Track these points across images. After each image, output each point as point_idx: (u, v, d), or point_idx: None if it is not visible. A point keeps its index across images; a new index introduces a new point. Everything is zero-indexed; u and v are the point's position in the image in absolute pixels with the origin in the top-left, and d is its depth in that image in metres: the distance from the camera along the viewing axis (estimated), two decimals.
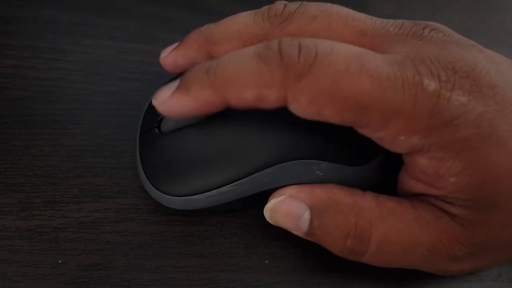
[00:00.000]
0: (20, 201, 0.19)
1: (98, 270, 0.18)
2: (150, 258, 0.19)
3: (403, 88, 0.14)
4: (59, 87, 0.23)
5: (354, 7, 0.18)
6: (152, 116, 0.19)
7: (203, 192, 0.17)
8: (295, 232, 0.18)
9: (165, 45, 0.21)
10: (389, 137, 0.15)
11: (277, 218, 0.18)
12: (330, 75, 0.14)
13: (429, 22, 0.17)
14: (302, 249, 0.20)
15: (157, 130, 0.18)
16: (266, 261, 0.19)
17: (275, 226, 0.18)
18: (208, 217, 0.20)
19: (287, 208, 0.17)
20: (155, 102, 0.16)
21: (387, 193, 0.18)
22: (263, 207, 0.18)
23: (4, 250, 0.18)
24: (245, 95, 0.15)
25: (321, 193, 0.17)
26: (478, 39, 0.18)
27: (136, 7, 0.27)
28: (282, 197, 0.17)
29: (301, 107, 0.15)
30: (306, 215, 0.17)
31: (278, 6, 0.18)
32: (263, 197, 0.18)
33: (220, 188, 0.17)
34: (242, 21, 0.18)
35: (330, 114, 0.15)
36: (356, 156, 0.18)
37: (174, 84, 0.16)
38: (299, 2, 0.18)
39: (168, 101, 0.16)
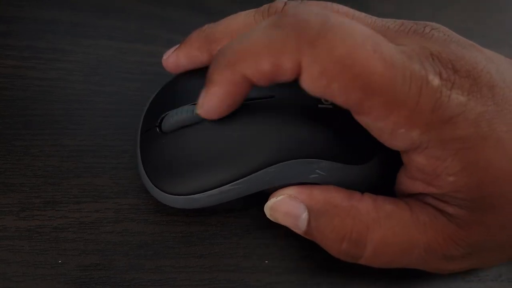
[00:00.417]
0: (20, 201, 0.19)
1: (98, 270, 0.18)
2: (150, 258, 0.19)
3: (411, 79, 0.14)
4: (59, 87, 0.23)
5: (354, 7, 0.18)
6: (153, 115, 0.19)
7: (204, 191, 0.17)
8: (295, 230, 0.18)
9: (165, 45, 0.21)
10: (388, 129, 0.15)
11: (276, 216, 0.18)
12: (346, 46, 0.14)
13: (429, 22, 0.17)
14: (302, 250, 0.20)
15: (158, 130, 0.18)
16: (266, 261, 0.19)
17: (275, 226, 0.18)
18: (208, 217, 0.20)
19: (286, 208, 0.17)
20: (199, 112, 0.17)
21: (386, 192, 0.18)
22: (263, 207, 0.18)
23: (4, 250, 0.18)
24: (261, 66, 0.14)
25: (320, 195, 0.17)
26: (478, 39, 0.18)
27: (136, 7, 0.27)
28: (281, 197, 0.17)
29: (311, 78, 0.14)
30: (304, 215, 0.17)
31: (278, 4, 0.18)
32: (263, 197, 0.18)
33: (221, 187, 0.17)
34: (243, 20, 0.18)
35: (337, 90, 0.14)
36: (356, 155, 0.18)
37: None
38: (299, 1, 0.18)
39: (204, 102, 0.16)
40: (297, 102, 0.17)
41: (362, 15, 0.18)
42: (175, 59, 0.19)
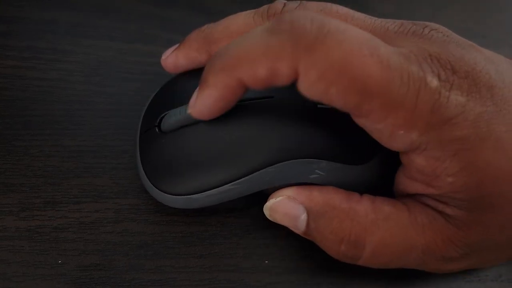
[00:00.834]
0: (20, 202, 0.19)
1: (98, 271, 0.18)
2: (150, 258, 0.19)
3: (408, 81, 0.14)
4: (59, 88, 0.23)
5: (354, 7, 0.18)
6: (152, 115, 0.19)
7: (204, 191, 0.17)
8: (294, 230, 0.18)
9: (165, 46, 0.21)
10: (387, 130, 0.15)
11: (275, 216, 0.18)
12: (343, 50, 0.14)
13: (428, 23, 0.17)
14: (302, 250, 0.20)
15: (157, 129, 0.18)
16: (266, 262, 0.19)
17: (275, 226, 0.18)
18: (208, 218, 0.20)
19: (285, 209, 0.17)
20: (190, 112, 0.17)
21: (386, 192, 0.18)
22: (263, 207, 0.18)
23: (4, 251, 0.18)
24: (258, 71, 0.15)
25: (319, 196, 0.17)
26: (478, 39, 0.18)
27: (136, 8, 0.27)
28: (281, 198, 0.18)
29: (309, 83, 0.14)
30: (303, 216, 0.17)
31: (278, 5, 0.18)
32: (263, 197, 0.18)
33: (221, 187, 0.17)
34: (242, 20, 0.18)
35: (335, 94, 0.14)
36: (356, 155, 0.18)
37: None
38: (299, 1, 0.18)
39: (196, 102, 0.16)
40: (297, 102, 0.17)
41: (362, 16, 0.18)
42: (174, 59, 0.19)
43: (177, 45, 0.20)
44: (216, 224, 0.20)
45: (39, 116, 0.22)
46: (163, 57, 0.20)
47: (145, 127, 0.19)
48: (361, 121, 0.15)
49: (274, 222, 0.18)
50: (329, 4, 0.18)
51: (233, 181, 0.17)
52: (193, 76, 0.19)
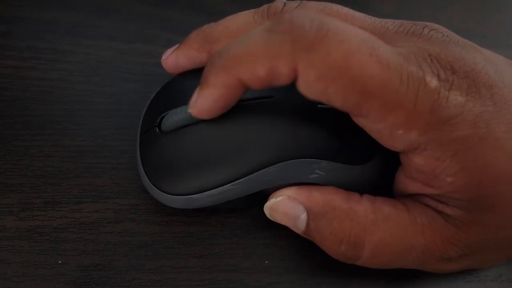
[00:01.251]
0: (20, 202, 0.19)
1: (98, 271, 0.18)
2: (150, 258, 0.19)
3: (408, 81, 0.14)
4: (59, 88, 0.23)
5: (354, 7, 0.18)
6: (153, 115, 0.19)
7: (204, 191, 0.17)
8: (294, 230, 0.18)
9: (165, 46, 0.21)
10: (387, 130, 0.15)
11: (275, 216, 0.18)
12: (343, 50, 0.14)
13: (428, 23, 0.17)
14: (302, 250, 0.20)
15: (157, 129, 0.18)
16: (266, 262, 0.19)
17: (275, 226, 0.18)
18: (208, 218, 0.20)
19: (285, 209, 0.17)
20: (191, 111, 0.17)
21: (386, 192, 0.18)
22: (263, 207, 0.18)
23: (4, 251, 0.18)
24: (257, 71, 0.15)
25: (319, 197, 0.17)
26: (477, 39, 0.18)
27: (136, 8, 0.27)
28: (281, 197, 0.18)
29: (308, 83, 0.14)
30: (303, 216, 0.17)
31: (278, 4, 0.18)
32: (263, 197, 0.18)
33: (221, 187, 0.17)
34: (242, 20, 0.18)
35: (334, 94, 0.14)
36: (356, 155, 0.18)
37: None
38: (299, 1, 0.18)
39: (197, 102, 0.16)
40: (297, 102, 0.17)
41: (362, 15, 0.18)
42: (174, 59, 0.20)
43: (177, 45, 0.20)
44: (216, 224, 0.20)
45: (39, 116, 0.22)
46: (164, 57, 0.20)
47: (145, 127, 0.19)
48: (360, 121, 0.15)
49: (274, 222, 0.18)
50: (329, 4, 0.18)
51: (233, 181, 0.17)
52: (193, 76, 0.19)
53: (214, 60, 0.16)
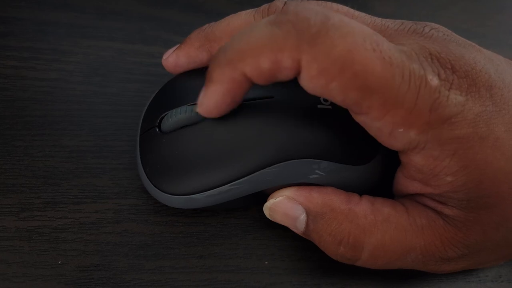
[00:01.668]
0: (20, 202, 0.19)
1: (98, 271, 0.18)
2: (150, 258, 0.19)
3: (409, 79, 0.14)
4: (59, 88, 0.23)
5: (353, 6, 0.18)
6: (153, 115, 0.19)
7: (204, 191, 0.17)
8: (294, 230, 0.18)
9: (165, 46, 0.21)
10: (387, 128, 0.15)
11: (275, 216, 0.18)
12: (347, 44, 0.14)
13: (428, 22, 0.17)
14: (302, 250, 0.20)
15: (157, 130, 0.18)
16: (266, 262, 0.19)
17: (275, 227, 0.18)
18: (208, 218, 0.20)
19: (285, 209, 0.17)
20: (199, 110, 0.17)
21: (386, 192, 0.18)
22: (263, 207, 0.18)
23: (4, 251, 0.18)
24: (261, 64, 0.14)
25: (318, 197, 0.17)
26: (477, 39, 0.18)
27: (136, 8, 0.27)
28: (280, 198, 0.18)
29: (310, 77, 0.14)
30: (303, 217, 0.17)
31: (278, 3, 0.18)
32: (263, 197, 0.18)
33: (221, 187, 0.17)
34: (243, 19, 0.18)
35: (335, 89, 0.14)
36: (356, 155, 0.18)
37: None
38: (299, 0, 0.18)
39: (204, 100, 0.16)
40: (297, 103, 0.17)
41: (362, 14, 0.18)
42: (175, 59, 0.19)
43: (178, 45, 0.20)
44: (216, 224, 0.20)
45: (39, 116, 0.22)
46: (164, 57, 0.20)
47: (145, 127, 0.19)
48: (360, 118, 0.15)
49: (274, 222, 0.18)
50: (329, 3, 0.18)
51: (233, 181, 0.17)
52: (193, 76, 0.19)
53: (218, 56, 0.15)
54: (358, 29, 0.14)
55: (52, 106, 0.22)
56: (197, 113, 0.17)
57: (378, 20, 0.17)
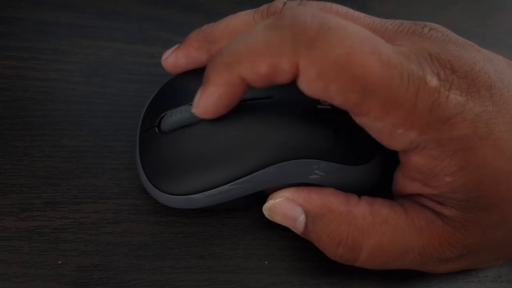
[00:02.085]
0: (20, 202, 0.19)
1: (98, 271, 0.18)
2: (150, 259, 0.19)
3: (408, 80, 0.14)
4: (59, 88, 0.23)
5: (353, 7, 0.18)
6: (152, 115, 0.19)
7: (204, 191, 0.17)
8: (294, 230, 0.18)
9: (165, 46, 0.21)
10: (386, 129, 0.15)
11: (274, 217, 0.18)
12: (344, 47, 0.14)
13: (427, 22, 0.17)
14: (302, 250, 0.20)
15: (157, 130, 0.18)
16: (266, 262, 0.19)
17: (275, 227, 0.18)
18: (208, 218, 0.20)
19: (284, 210, 0.18)
20: (194, 111, 0.17)
21: (385, 192, 0.18)
22: (262, 207, 0.18)
23: (4, 251, 0.18)
24: (258, 68, 0.14)
25: (317, 199, 0.17)
26: (477, 39, 0.18)
27: (136, 8, 0.27)
28: (279, 199, 0.18)
29: (309, 80, 0.14)
30: (302, 218, 0.17)
31: (278, 4, 0.18)
32: (263, 197, 0.18)
33: (221, 187, 0.17)
34: (242, 19, 0.18)
35: (334, 91, 0.14)
36: (355, 155, 0.18)
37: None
38: (299, 1, 0.18)
39: (200, 101, 0.16)
40: (297, 103, 0.17)
41: (361, 15, 0.18)
42: (174, 59, 0.19)
43: (177, 45, 0.20)
44: (216, 224, 0.20)
45: (39, 116, 0.22)
46: (163, 57, 0.20)
47: (145, 127, 0.19)
48: (360, 120, 0.15)
49: (273, 223, 0.18)
50: (328, 3, 0.18)
51: (233, 181, 0.17)
52: (192, 76, 0.19)
53: (216, 58, 0.16)
54: (356, 31, 0.14)
55: (52, 106, 0.22)
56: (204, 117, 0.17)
57: (378, 21, 0.17)
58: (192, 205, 0.18)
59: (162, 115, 0.18)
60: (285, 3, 0.18)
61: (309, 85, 0.14)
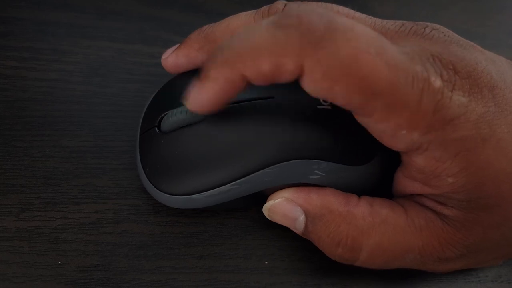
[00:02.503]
0: (20, 202, 0.19)
1: (98, 271, 0.18)
2: (150, 259, 0.19)
3: (413, 81, 0.14)
4: (59, 88, 0.23)
5: (354, 8, 0.18)
6: (152, 115, 0.19)
7: (204, 191, 0.17)
8: (294, 230, 0.18)
9: (165, 46, 0.21)
10: (390, 130, 0.15)
11: (274, 217, 0.18)
12: (351, 48, 0.13)
13: (429, 23, 0.17)
14: (302, 250, 0.20)
15: (157, 130, 0.18)
16: (266, 262, 0.19)
17: (274, 227, 0.18)
18: (208, 218, 0.20)
19: (283, 211, 0.18)
20: (188, 105, 0.16)
21: (385, 192, 0.18)
22: (262, 208, 0.18)
23: (4, 251, 0.18)
24: (261, 67, 0.14)
25: (316, 199, 0.17)
26: (478, 40, 0.18)
27: (136, 9, 0.27)
28: (279, 200, 0.18)
29: (314, 81, 0.14)
30: (301, 218, 0.17)
31: (278, 5, 0.18)
32: (263, 197, 0.18)
33: (221, 187, 0.17)
34: (242, 20, 0.18)
35: (340, 92, 0.14)
36: (356, 155, 0.18)
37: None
38: (299, 2, 0.18)
39: (195, 96, 0.16)
40: (297, 103, 0.17)
41: (362, 16, 0.18)
42: (174, 59, 0.19)
43: (177, 45, 0.20)
44: (216, 224, 0.20)
45: (39, 117, 0.22)
46: (163, 57, 0.20)
47: (145, 127, 0.19)
48: (363, 120, 0.15)
49: (274, 223, 0.18)
50: (329, 4, 0.18)
51: (233, 181, 0.17)
52: (193, 76, 0.19)
53: (216, 53, 0.15)
54: (362, 32, 0.14)
55: (52, 107, 0.22)
56: (197, 113, 0.17)
57: (379, 22, 0.17)
58: (192, 205, 0.18)
59: (162, 115, 0.18)
60: (286, 4, 0.18)
61: (313, 85, 0.14)
